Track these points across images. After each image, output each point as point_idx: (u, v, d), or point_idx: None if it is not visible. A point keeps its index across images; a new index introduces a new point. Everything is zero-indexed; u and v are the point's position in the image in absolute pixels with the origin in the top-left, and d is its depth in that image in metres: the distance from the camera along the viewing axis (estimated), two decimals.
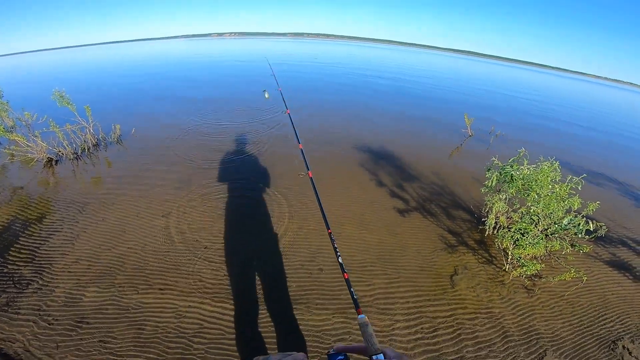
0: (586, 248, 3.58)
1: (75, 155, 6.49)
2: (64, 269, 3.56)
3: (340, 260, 1.82)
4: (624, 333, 3.25)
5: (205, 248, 3.90)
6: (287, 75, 17.96)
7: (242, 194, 5.13)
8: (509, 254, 3.80)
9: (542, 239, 3.61)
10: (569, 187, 3.63)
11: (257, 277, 3.51)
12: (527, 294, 3.61)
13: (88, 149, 6.78)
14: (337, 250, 1.94)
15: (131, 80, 16.20)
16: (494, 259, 4.09)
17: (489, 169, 4.15)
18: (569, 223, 3.60)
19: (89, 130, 6.99)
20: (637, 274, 4.17)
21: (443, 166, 6.69)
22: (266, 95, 5.21)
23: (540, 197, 3.62)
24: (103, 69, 23.38)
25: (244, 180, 5.55)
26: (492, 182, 4.04)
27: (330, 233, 2.12)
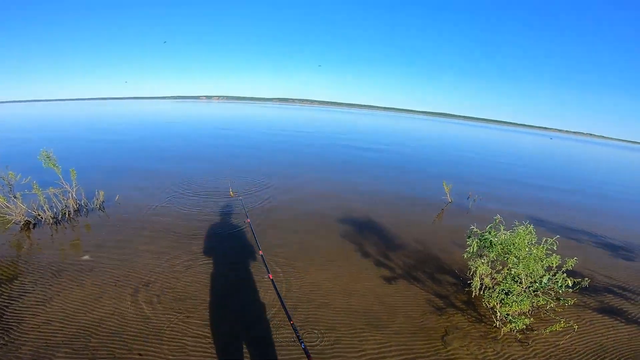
0: (571, 301, 3.78)
1: (55, 220, 6.31)
2: (33, 328, 3.40)
3: (303, 345, 2.14)
4: None
5: (187, 317, 3.73)
6: (276, 147, 18.03)
7: (228, 264, 5.03)
8: (497, 312, 3.87)
9: (526, 296, 3.74)
10: (545, 248, 3.87)
11: (244, 349, 3.35)
12: (521, 346, 3.65)
13: (69, 214, 6.63)
14: (301, 338, 2.38)
15: (115, 145, 16.40)
16: (483, 317, 4.13)
17: (469, 237, 4.36)
18: (548, 281, 3.78)
19: (72, 195, 6.87)
20: (630, 317, 4.36)
21: (426, 233, 6.85)
22: (231, 193, 5.38)
23: (519, 260, 3.80)
24: (92, 127, 23.77)
25: (230, 250, 5.47)
26: (472, 248, 4.23)
27: (293, 324, 2.59)
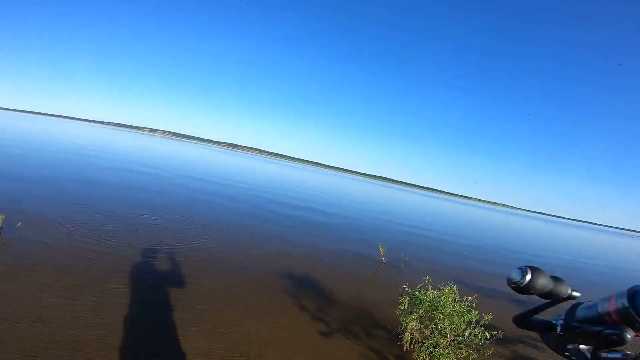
0: (490, 350, 4.21)
1: None
2: None
3: None
4: None
5: None
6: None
7: (152, 301, 4.71)
8: None
9: (452, 349, 4.08)
10: (466, 305, 4.35)
11: None
12: None
13: None
14: None
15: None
16: None
17: (401, 295, 4.73)
18: (470, 335, 4.21)
19: None
20: None
21: (361, 291, 7.01)
22: None
23: (445, 315, 4.19)
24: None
25: (155, 287, 5.20)
26: (404, 305, 4.57)
27: None
